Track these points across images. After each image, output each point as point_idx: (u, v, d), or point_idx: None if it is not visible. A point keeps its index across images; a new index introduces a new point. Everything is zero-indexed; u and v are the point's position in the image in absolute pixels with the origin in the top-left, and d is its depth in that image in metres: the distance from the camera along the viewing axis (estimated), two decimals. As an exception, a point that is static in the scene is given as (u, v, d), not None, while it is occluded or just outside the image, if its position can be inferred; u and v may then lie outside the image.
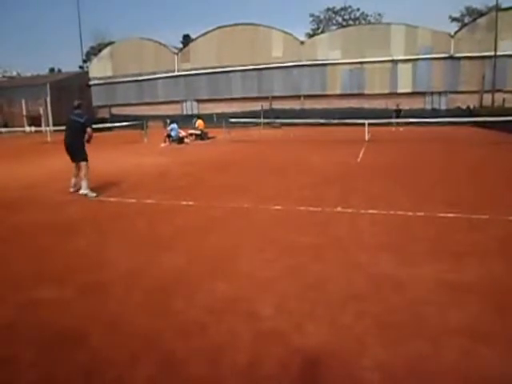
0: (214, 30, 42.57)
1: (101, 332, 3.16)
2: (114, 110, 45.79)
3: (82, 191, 8.58)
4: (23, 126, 42.00)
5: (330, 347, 2.87)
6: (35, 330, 3.22)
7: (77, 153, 8.77)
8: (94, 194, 8.51)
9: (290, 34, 40.55)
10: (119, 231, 5.99)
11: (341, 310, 3.39)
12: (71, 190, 8.85)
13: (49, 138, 27.82)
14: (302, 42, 40.77)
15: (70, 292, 3.86)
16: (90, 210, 7.34)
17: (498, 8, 33.71)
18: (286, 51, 39.90)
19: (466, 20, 50.50)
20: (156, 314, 3.42)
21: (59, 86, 45.84)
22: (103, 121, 35.96)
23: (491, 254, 4.59)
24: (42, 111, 45.73)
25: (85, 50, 59.56)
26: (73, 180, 8.92)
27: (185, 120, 32.43)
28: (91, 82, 48.21)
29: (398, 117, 28.99)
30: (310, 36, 50.74)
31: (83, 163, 8.68)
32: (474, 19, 38.88)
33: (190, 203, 7.54)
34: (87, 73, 49.80)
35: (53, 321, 3.35)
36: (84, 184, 8.60)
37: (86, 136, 8.65)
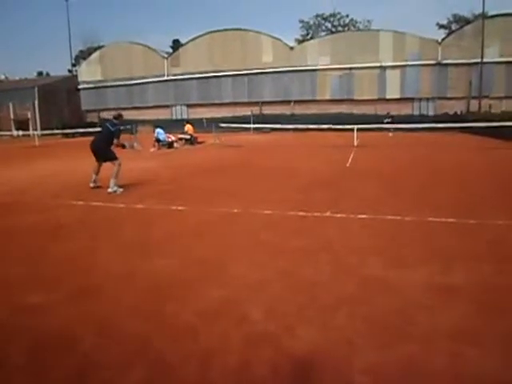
0: (204, 34, 42.71)
1: (92, 336, 3.13)
2: (104, 115, 45.55)
3: (109, 190, 9.10)
4: (11, 130, 41.61)
5: (321, 350, 2.87)
6: (25, 334, 3.18)
7: (102, 154, 9.53)
8: (119, 191, 9.11)
9: (280, 40, 40.82)
10: (110, 235, 5.95)
11: (331, 312, 3.40)
12: (91, 185, 9.59)
13: (37, 143, 27.62)
14: (292, 48, 41.07)
15: (60, 296, 3.82)
16: (80, 215, 7.28)
17: (484, 16, 34.27)
18: (276, 57, 40.12)
19: (453, 27, 51.22)
20: (147, 318, 3.40)
21: (47, 90, 45.56)
22: (92, 125, 35.81)
23: (479, 257, 4.64)
24: (29, 115, 45.36)
25: (74, 54, 59.30)
26: (93, 176, 9.64)
27: (174, 124, 32.39)
28: (80, 86, 47.98)
29: (392, 122, 29.35)
30: (300, 42, 51.03)
31: (115, 162, 9.35)
32: (461, 27, 39.56)
33: (180, 208, 7.52)
34: (76, 77, 49.52)
35: (43, 325, 3.31)
36: (112, 183, 9.15)
37: (115, 141, 9.57)
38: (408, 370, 2.65)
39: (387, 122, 29.45)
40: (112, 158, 9.45)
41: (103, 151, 9.52)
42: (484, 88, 33.80)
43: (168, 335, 3.13)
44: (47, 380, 2.66)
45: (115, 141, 9.57)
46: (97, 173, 9.64)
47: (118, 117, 10.05)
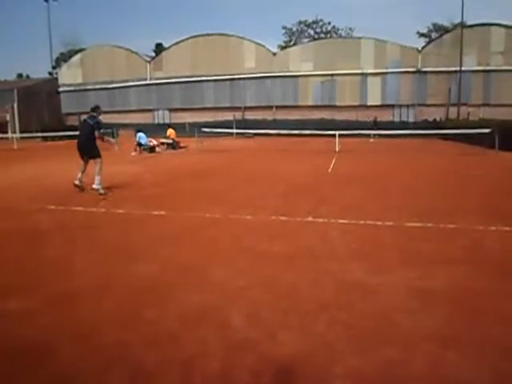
0: (187, 39, 42.58)
1: (70, 343, 3.06)
2: (84, 117, 44.94)
3: (94, 186, 9.21)
4: (-12, 133, 40.75)
5: (302, 356, 2.87)
6: (2, 343, 3.11)
7: (88, 151, 9.57)
8: (104, 191, 9.20)
9: (263, 46, 40.96)
10: (89, 241, 5.86)
11: (313, 318, 3.40)
12: (76, 182, 9.51)
13: (15, 146, 27.11)
14: (275, 54, 41.26)
15: (38, 303, 3.75)
16: (59, 219, 7.17)
17: (463, 25, 35.01)
18: (259, 62, 40.24)
19: (433, 36, 52.17)
20: (126, 325, 3.35)
21: (27, 93, 44.78)
22: (72, 128, 35.31)
23: (459, 261, 4.71)
24: (8, 117, 44.51)
25: (54, 56, 58.48)
26: (79, 174, 9.59)
27: (157, 129, 32.20)
28: (60, 89, 47.29)
29: (376, 128, 30.04)
30: (283, 48, 51.31)
31: (97, 160, 9.48)
32: (441, 35, 40.32)
33: (162, 213, 7.46)
34: (56, 79, 48.80)
35: (19, 332, 3.24)
36: (97, 180, 9.25)
37: (96, 134, 9.48)
38: (389, 375, 2.67)
39: (372, 128, 30.07)
40: (96, 155, 9.54)
41: (89, 148, 9.57)
42: (462, 96, 34.46)
43: (148, 341, 3.09)
44: (23, 389, 2.60)
45: (96, 133, 9.50)
46: (83, 171, 9.65)
47: (96, 108, 9.92)
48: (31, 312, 3.58)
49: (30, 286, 4.15)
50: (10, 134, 35.78)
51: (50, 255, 5.15)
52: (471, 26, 35.78)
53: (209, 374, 2.69)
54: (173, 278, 4.33)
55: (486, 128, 20.20)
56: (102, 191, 9.21)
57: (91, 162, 9.63)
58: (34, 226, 6.70)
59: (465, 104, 34.64)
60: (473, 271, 4.41)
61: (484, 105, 35.16)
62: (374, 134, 28.75)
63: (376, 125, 32.25)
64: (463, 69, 34.05)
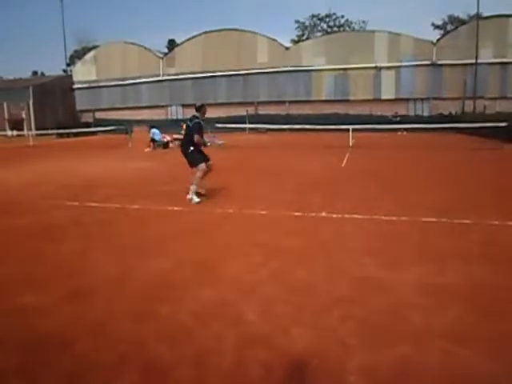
0: (199, 34, 42.62)
1: (86, 338, 3.11)
2: (98, 115, 45.43)
3: (188, 196, 8.07)
4: (5, 130, 41.37)
5: (315, 351, 2.88)
6: (19, 337, 3.17)
7: (187, 158, 8.23)
8: (198, 200, 7.91)
9: (275, 40, 40.81)
10: (104, 237, 5.93)
11: (326, 313, 3.40)
12: (201, 192, 8.39)
13: (31, 143, 27.47)
14: (287, 48, 41.09)
15: (54, 297, 3.81)
16: (74, 216, 7.24)
17: (479, 17, 34.44)
18: (272, 57, 40.11)
19: (449, 28, 51.41)
20: (142, 320, 3.39)
21: (42, 90, 45.34)
22: (87, 125, 35.66)
23: (474, 257, 4.66)
24: (24, 115, 45.11)
25: (68, 54, 59.06)
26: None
27: (170, 125, 32.34)
28: (75, 86, 47.76)
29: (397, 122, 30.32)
30: (295, 42, 51.06)
31: (198, 166, 8.02)
32: (456, 27, 39.73)
33: (176, 208, 7.51)
34: (71, 76, 49.30)
35: (37, 327, 3.30)
36: (191, 188, 8.04)
37: (196, 138, 7.96)
38: (402, 370, 2.66)
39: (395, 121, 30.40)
40: (195, 163, 8.09)
41: (186, 153, 8.22)
42: (479, 89, 33.96)
43: (162, 336, 3.12)
44: (40, 382, 2.64)
45: (196, 138, 7.93)
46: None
47: (199, 108, 8.40)
48: (47, 306, 3.63)
49: (46, 281, 4.22)
50: (25, 132, 36.22)
51: (66, 250, 5.22)
52: (487, 18, 35.17)
53: (222, 368, 2.71)
54: (187, 274, 4.36)
55: (503, 121, 19.88)
56: (193, 201, 7.89)
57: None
58: (50, 221, 6.79)
59: (481, 97, 34.15)
60: (488, 267, 4.35)
61: (501, 98, 34.58)
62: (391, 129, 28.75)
63: (396, 118, 32.42)
64: (479, 61, 33.56)
